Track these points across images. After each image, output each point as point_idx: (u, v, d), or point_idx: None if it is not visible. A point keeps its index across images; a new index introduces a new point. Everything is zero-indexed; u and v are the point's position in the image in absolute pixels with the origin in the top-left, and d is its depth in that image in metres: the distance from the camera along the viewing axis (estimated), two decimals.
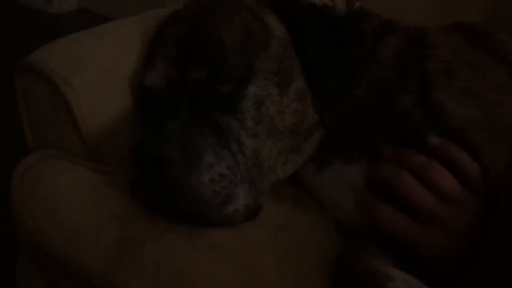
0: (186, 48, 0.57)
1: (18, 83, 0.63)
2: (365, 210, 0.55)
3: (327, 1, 0.80)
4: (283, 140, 0.58)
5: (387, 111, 0.59)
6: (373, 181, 0.56)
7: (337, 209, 0.62)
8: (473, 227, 0.49)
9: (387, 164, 0.55)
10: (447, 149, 0.53)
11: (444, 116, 0.54)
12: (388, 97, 0.60)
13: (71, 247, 0.51)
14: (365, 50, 0.63)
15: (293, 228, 0.59)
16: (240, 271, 0.50)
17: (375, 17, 0.70)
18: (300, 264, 0.53)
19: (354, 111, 0.60)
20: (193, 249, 0.51)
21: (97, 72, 0.61)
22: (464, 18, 0.82)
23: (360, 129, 0.60)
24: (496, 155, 0.52)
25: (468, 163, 0.52)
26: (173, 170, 0.50)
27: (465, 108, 0.54)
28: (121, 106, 0.61)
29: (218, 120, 0.55)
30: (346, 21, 0.65)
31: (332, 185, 0.61)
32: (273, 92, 0.57)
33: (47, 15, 2.13)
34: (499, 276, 0.45)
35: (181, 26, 0.60)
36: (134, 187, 0.54)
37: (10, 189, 0.58)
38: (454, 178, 0.52)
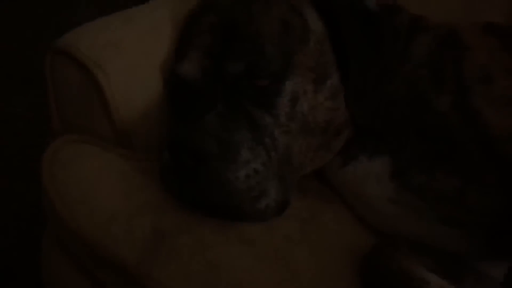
0: (222, 38, 0.56)
1: (47, 66, 0.62)
2: None
3: None
4: (314, 137, 0.58)
5: (420, 109, 0.59)
6: None
7: (360, 205, 0.62)
8: None
9: None
10: None
11: (482, 123, 0.54)
12: (422, 96, 0.59)
13: (104, 235, 0.51)
14: (399, 47, 0.63)
15: (319, 222, 0.60)
16: (273, 266, 0.51)
17: (405, 12, 0.70)
18: (331, 260, 0.54)
19: (385, 108, 0.61)
20: (226, 243, 0.51)
21: (130, 58, 0.60)
22: (490, 13, 0.81)
23: (389, 125, 0.60)
24: None
25: None
26: (211, 165, 0.50)
27: (503, 117, 0.54)
28: (153, 93, 0.61)
29: (253, 114, 0.54)
30: (381, 17, 0.64)
31: (356, 181, 0.62)
32: (308, 89, 0.57)
33: None
34: None
35: (217, 15, 0.59)
36: (167, 177, 0.54)
37: (40, 172, 0.58)
38: None
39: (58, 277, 0.61)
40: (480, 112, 0.55)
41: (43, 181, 0.56)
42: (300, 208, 0.59)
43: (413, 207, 0.58)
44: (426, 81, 0.60)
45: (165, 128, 0.61)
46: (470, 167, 0.56)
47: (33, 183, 0.62)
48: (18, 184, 1.13)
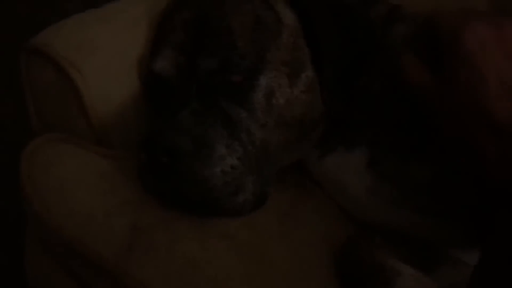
0: (195, 34, 0.57)
1: (23, 65, 0.62)
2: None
3: None
4: (290, 130, 0.59)
5: (395, 101, 0.60)
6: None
7: (340, 195, 0.63)
8: None
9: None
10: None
11: None
12: (397, 87, 0.60)
13: (83, 233, 0.52)
14: (374, 39, 0.63)
15: (299, 215, 0.61)
16: (250, 261, 0.52)
17: (382, 2, 0.70)
18: (308, 252, 0.55)
19: (361, 100, 0.61)
20: (204, 239, 0.52)
21: (105, 57, 0.60)
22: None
23: (365, 116, 0.61)
24: None
25: None
26: (185, 162, 0.50)
27: None
28: (130, 91, 0.61)
29: (228, 110, 0.55)
30: (356, 9, 0.64)
31: (335, 171, 0.63)
32: (283, 83, 0.57)
33: None
34: None
35: (189, 11, 0.59)
36: (143, 175, 0.54)
37: (19, 172, 0.58)
38: None
39: (42, 276, 0.62)
40: None
41: (21, 181, 0.57)
42: (279, 201, 0.60)
43: (389, 196, 0.59)
44: (399, 76, 0.60)
45: (143, 126, 0.61)
46: (442, 157, 0.56)
47: None
48: (5, 182, 1.13)
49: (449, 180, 0.55)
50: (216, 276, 0.50)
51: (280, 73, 0.57)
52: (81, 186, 0.56)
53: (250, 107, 0.55)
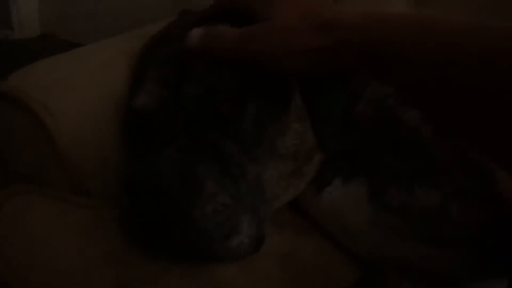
0: (179, 66, 0.53)
1: None
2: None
3: None
4: (284, 163, 0.55)
5: (390, 127, 0.57)
6: None
7: (340, 232, 0.59)
8: None
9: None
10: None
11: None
12: (390, 114, 0.58)
13: None
14: None
15: (299, 257, 0.56)
16: None
17: None
18: None
19: (355, 130, 0.58)
20: None
21: (79, 97, 0.56)
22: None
23: (360, 147, 0.58)
24: None
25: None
26: (172, 202, 0.45)
27: None
28: (107, 133, 0.56)
29: (217, 143, 0.50)
30: None
31: (333, 207, 0.59)
32: (273, 112, 0.54)
33: (8, 43, 2.05)
34: None
35: (172, 46, 0.56)
36: (126, 223, 0.49)
37: None
38: None
39: None
40: None
41: None
42: (277, 243, 0.55)
43: (395, 229, 0.55)
44: (392, 99, 0.59)
45: (124, 169, 0.56)
46: (450, 179, 0.54)
47: None
48: None
49: (462, 201, 0.52)
50: None
51: (269, 102, 0.53)
52: (56, 242, 0.50)
53: (240, 138, 0.51)
